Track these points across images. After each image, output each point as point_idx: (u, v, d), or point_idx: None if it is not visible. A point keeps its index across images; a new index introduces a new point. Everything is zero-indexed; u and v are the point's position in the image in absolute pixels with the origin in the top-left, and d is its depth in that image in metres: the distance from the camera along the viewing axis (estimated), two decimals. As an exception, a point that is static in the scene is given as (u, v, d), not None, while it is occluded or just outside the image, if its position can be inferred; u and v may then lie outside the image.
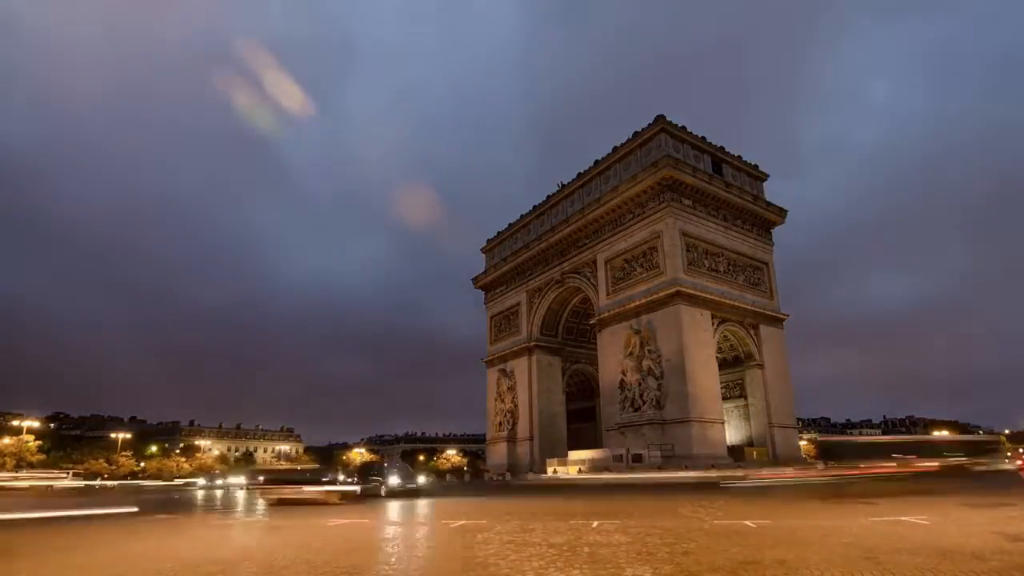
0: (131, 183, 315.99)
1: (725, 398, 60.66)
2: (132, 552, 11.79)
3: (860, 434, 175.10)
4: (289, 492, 27.44)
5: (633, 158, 67.73)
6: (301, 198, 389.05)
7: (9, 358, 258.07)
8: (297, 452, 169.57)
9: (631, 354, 62.13)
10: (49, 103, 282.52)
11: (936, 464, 28.64)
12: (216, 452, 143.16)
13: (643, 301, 62.08)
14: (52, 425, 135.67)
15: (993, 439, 54.38)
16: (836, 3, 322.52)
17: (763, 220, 71.30)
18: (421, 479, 42.11)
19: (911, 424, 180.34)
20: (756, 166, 73.78)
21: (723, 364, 62.66)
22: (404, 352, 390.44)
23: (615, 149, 70.67)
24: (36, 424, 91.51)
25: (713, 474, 43.47)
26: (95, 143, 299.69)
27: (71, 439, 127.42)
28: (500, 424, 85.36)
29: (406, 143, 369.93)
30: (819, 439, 73.79)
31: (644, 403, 60.02)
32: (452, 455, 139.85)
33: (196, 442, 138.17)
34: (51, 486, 62.44)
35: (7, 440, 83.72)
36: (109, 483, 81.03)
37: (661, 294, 60.23)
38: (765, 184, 74.62)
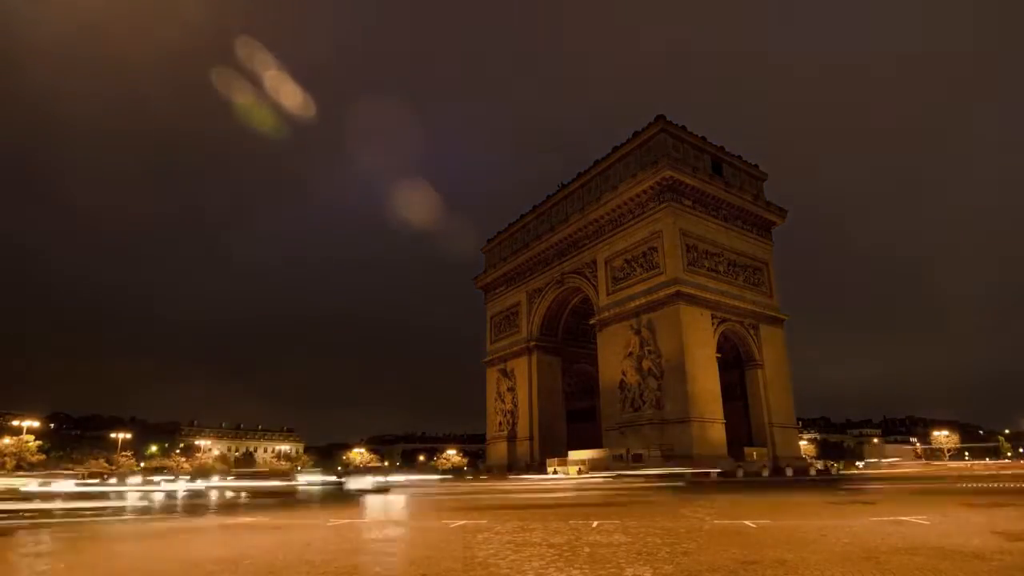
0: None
1: (725, 398, 60.66)
2: (131, 552, 11.80)
3: (860, 434, 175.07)
4: None
5: (633, 158, 67.64)
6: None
7: (9, 358, 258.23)
8: (297, 452, 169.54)
9: (631, 354, 62.09)
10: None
11: None
12: (216, 452, 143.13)
13: (643, 301, 62.04)
14: (52, 425, 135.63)
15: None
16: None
17: (763, 220, 71.26)
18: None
19: (911, 424, 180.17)
20: (756, 166, 73.75)
21: (723, 364, 62.65)
22: (404, 352, 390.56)
23: (615, 149, 70.59)
24: (36, 424, 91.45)
25: None
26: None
27: (71, 439, 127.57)
28: (500, 424, 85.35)
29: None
30: None
31: (644, 403, 60.00)
32: (452, 455, 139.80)
33: (196, 442, 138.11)
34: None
35: (7, 440, 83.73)
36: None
37: (661, 294, 60.18)
38: (765, 184, 74.59)
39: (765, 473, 55.58)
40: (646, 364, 60.28)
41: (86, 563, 10.44)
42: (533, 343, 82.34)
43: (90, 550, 12.37)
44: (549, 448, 75.12)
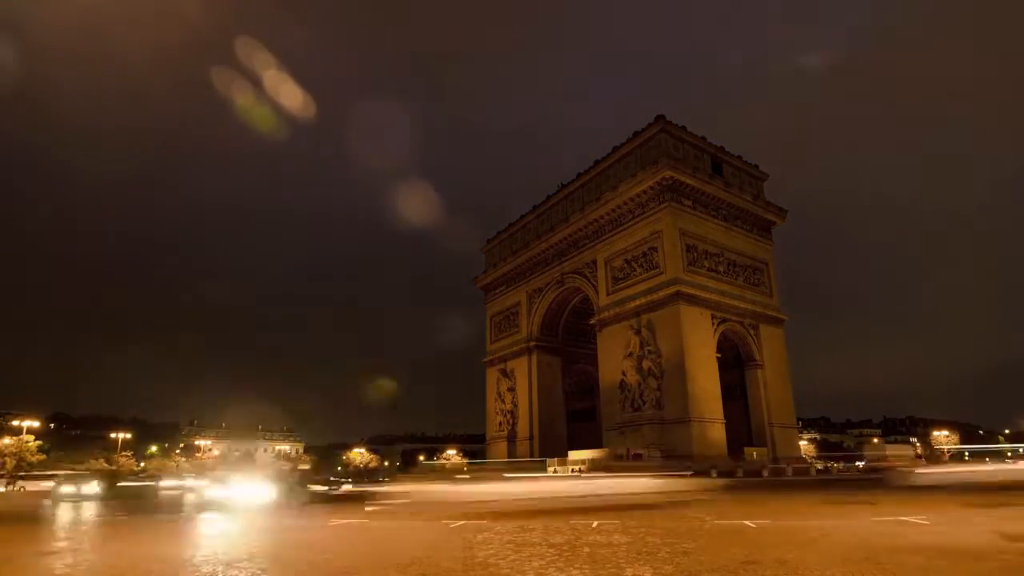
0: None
1: (725, 398, 60.64)
2: (131, 551, 11.79)
3: (860, 434, 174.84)
4: None
5: (633, 158, 67.58)
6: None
7: (9, 358, 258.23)
8: (297, 452, 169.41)
9: (631, 354, 62.04)
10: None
11: None
12: (216, 452, 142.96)
13: (643, 301, 62.01)
14: (52, 425, 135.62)
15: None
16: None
17: (763, 220, 71.23)
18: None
19: (911, 424, 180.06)
20: (756, 166, 73.69)
21: (723, 364, 62.63)
22: (404, 351, 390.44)
23: (615, 149, 70.53)
24: (36, 424, 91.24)
25: None
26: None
27: (71, 439, 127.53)
28: (500, 424, 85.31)
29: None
30: None
31: (644, 403, 59.96)
32: (452, 455, 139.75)
33: (196, 442, 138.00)
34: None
35: (7, 440, 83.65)
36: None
37: (661, 294, 60.16)
38: (765, 183, 74.50)
39: (765, 473, 55.49)
40: (646, 364, 60.24)
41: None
42: (533, 343, 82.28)
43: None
44: (549, 448, 75.07)
